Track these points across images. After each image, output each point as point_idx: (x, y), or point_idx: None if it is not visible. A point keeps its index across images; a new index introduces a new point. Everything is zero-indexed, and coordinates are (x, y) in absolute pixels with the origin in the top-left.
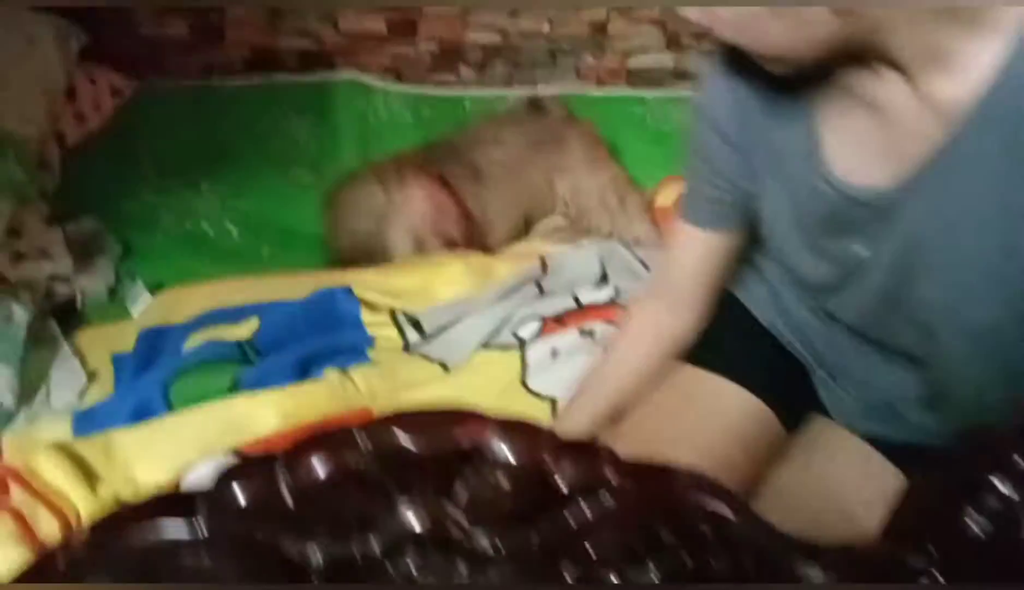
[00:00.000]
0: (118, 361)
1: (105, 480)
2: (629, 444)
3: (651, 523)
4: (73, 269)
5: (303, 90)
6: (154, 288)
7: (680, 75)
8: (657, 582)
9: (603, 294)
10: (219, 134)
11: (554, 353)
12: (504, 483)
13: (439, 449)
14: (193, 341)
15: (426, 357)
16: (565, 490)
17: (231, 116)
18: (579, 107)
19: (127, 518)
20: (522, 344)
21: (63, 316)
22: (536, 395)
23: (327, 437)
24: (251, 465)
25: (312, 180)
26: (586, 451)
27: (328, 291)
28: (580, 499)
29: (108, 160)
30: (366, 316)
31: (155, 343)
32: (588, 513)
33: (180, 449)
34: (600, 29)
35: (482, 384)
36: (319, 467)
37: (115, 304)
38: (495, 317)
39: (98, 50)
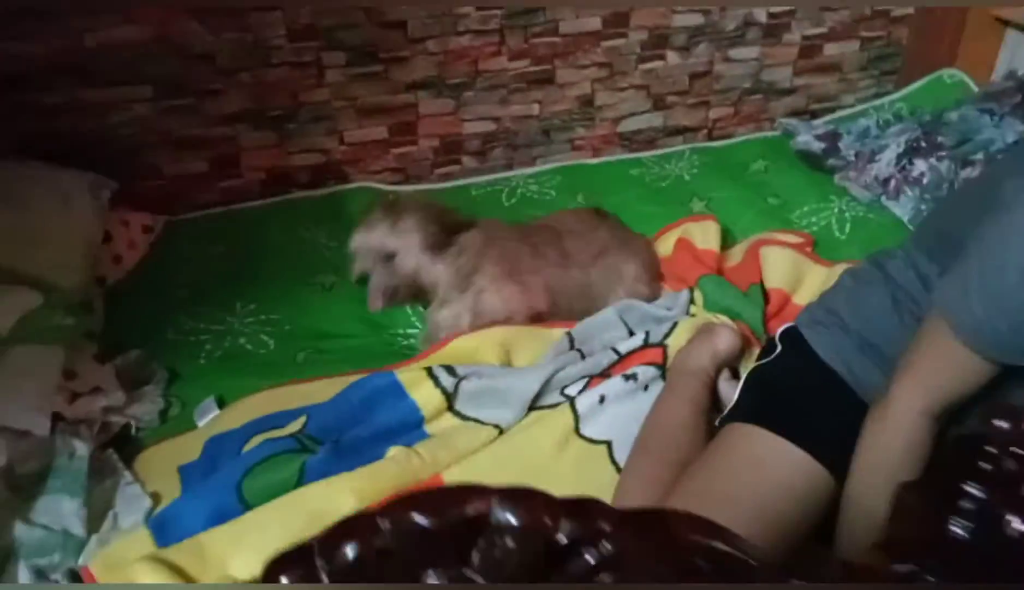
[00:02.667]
0: (185, 470)
1: (202, 581)
2: (690, 501)
3: (651, 565)
4: (125, 400)
5: (318, 202)
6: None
7: (670, 132)
8: None
9: (637, 340)
10: (246, 254)
11: (602, 399)
12: (512, 545)
13: (451, 523)
14: (251, 445)
15: (479, 422)
16: (566, 543)
17: (255, 236)
18: (578, 177)
19: None
20: (571, 400)
21: (120, 444)
22: (591, 441)
23: (352, 523)
24: (292, 554)
25: (335, 280)
26: (581, 506)
27: (365, 377)
28: (581, 550)
29: (147, 294)
30: (401, 376)
31: (219, 449)
32: (591, 562)
33: (269, 541)
34: (587, 102)
35: (539, 439)
36: (349, 551)
37: (166, 427)
38: (541, 377)
39: (128, 194)
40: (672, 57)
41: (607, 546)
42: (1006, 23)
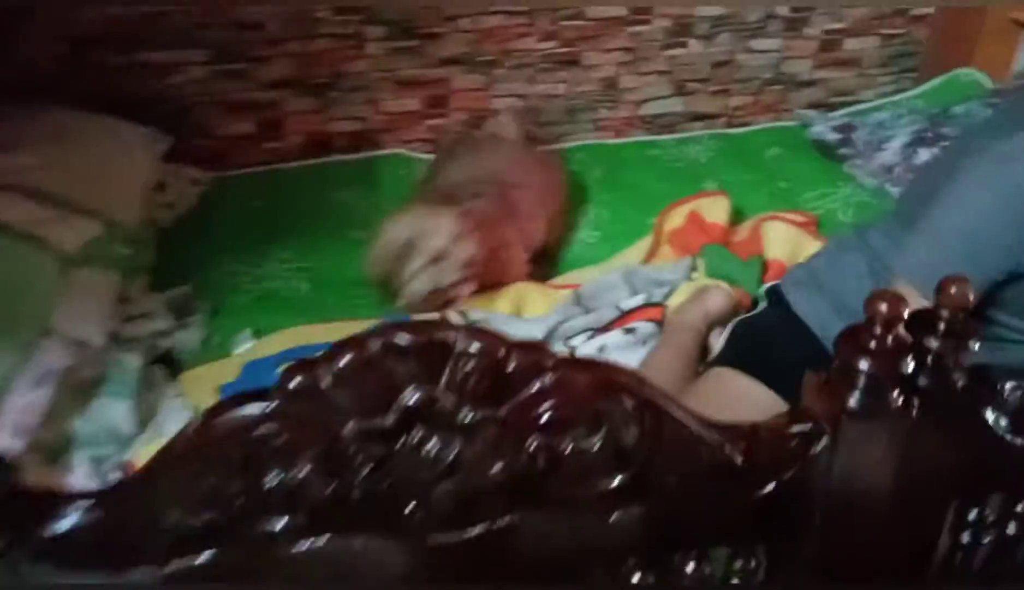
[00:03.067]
0: (224, 389)
1: None
2: None
3: (585, 396)
4: (172, 327)
5: (353, 166)
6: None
7: (691, 117)
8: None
9: (639, 299)
10: (284, 209)
11: (601, 349)
12: (471, 367)
13: (425, 344)
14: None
15: None
16: (513, 370)
17: (293, 194)
18: (600, 156)
19: (222, 408)
20: (572, 349)
21: (164, 364)
22: None
23: (349, 341)
24: (301, 364)
25: (364, 237)
26: (530, 346)
27: (387, 319)
28: (529, 382)
29: (194, 238)
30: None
31: (255, 372)
32: (535, 390)
33: None
34: (611, 84)
35: None
36: (344, 360)
37: (206, 353)
38: (546, 326)
39: (181, 150)
40: (694, 45)
41: (548, 377)
42: (1023, 25)
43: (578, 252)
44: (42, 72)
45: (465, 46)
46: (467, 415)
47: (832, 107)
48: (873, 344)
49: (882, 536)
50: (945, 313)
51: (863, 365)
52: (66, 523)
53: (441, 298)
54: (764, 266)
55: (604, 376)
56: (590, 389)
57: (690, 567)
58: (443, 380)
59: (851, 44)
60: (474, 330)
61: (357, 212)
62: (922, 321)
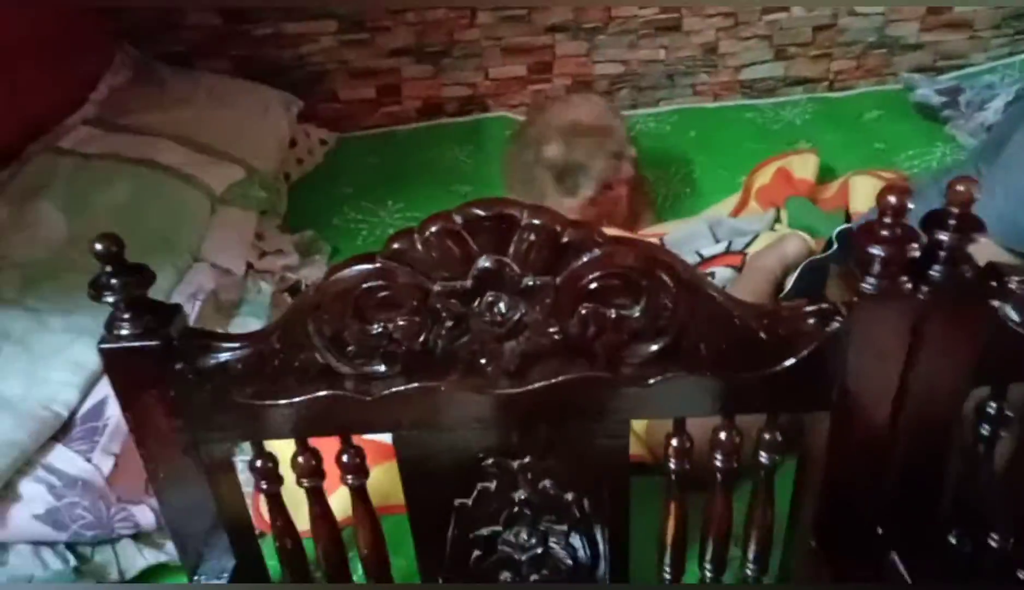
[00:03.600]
0: None
1: None
2: None
3: (629, 267)
4: (299, 263)
5: (462, 127)
6: None
7: (791, 82)
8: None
9: (720, 246)
10: (399, 166)
11: None
12: (533, 238)
13: (497, 217)
14: None
15: None
16: (568, 242)
17: (408, 152)
18: (696, 119)
19: (339, 267)
20: None
21: (292, 295)
22: None
23: (440, 215)
24: (402, 232)
25: (471, 190)
26: (583, 225)
27: None
28: (581, 253)
29: (320, 190)
30: None
31: None
32: (585, 260)
33: None
34: (712, 49)
35: None
36: (434, 228)
37: None
38: None
39: (310, 112)
40: (796, 9)
41: (597, 251)
42: None
43: (670, 208)
44: (198, 41)
45: (570, 13)
46: (529, 281)
47: (941, 71)
48: (885, 232)
49: (896, 413)
50: (954, 209)
51: (875, 250)
52: (224, 356)
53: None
54: (848, 218)
55: (647, 253)
56: (634, 263)
57: (722, 435)
58: (511, 249)
59: (962, 6)
60: (536, 207)
61: (464, 169)
62: (935, 218)
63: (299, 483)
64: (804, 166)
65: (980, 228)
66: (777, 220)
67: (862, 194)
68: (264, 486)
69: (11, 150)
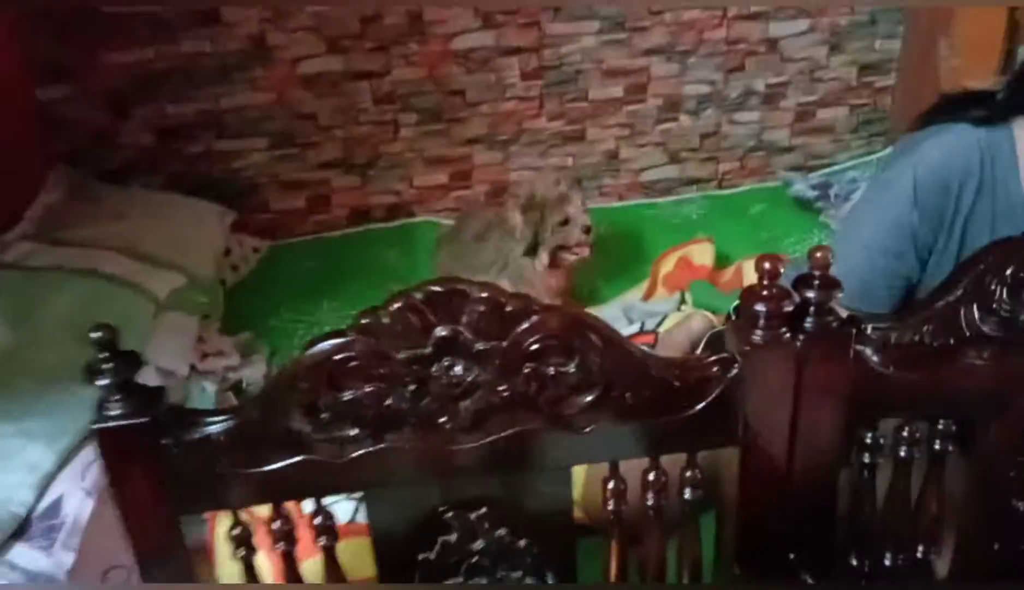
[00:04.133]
0: None
1: None
2: None
3: (564, 335)
4: (239, 363)
5: (391, 232)
6: None
7: (685, 182)
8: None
9: (634, 327)
10: (332, 269)
11: None
12: (483, 310)
13: (452, 292)
14: None
15: None
16: (512, 315)
17: (340, 256)
18: (604, 217)
19: (314, 342)
20: None
21: (234, 393)
22: None
23: (401, 292)
24: (369, 310)
25: (401, 288)
26: (524, 296)
27: None
28: (522, 320)
29: (256, 294)
30: None
31: None
32: (526, 326)
33: None
34: (613, 155)
35: None
36: (397, 304)
37: None
38: None
39: (243, 222)
40: (684, 119)
41: (535, 317)
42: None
43: (588, 296)
44: (131, 159)
45: (485, 128)
46: (480, 346)
47: (811, 169)
48: (764, 292)
49: (792, 447)
50: (816, 272)
51: (759, 307)
52: (208, 429)
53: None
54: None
55: (576, 317)
56: (566, 326)
57: (651, 476)
58: (463, 319)
59: (824, 114)
60: (483, 283)
61: (395, 269)
62: (803, 280)
63: (274, 546)
64: (703, 254)
65: (838, 286)
66: (683, 302)
67: (754, 277)
68: (241, 553)
69: None
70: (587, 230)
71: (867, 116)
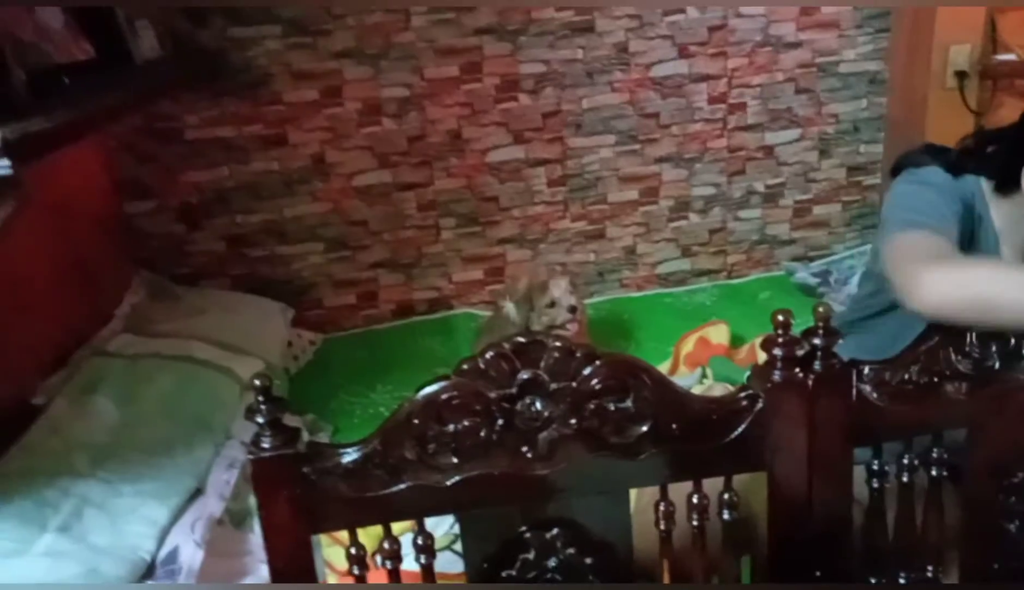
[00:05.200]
0: None
1: None
2: None
3: (621, 376)
4: (307, 440)
5: (433, 323)
6: None
7: (697, 273)
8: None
9: None
10: (382, 357)
11: None
12: (557, 356)
13: (533, 342)
14: None
15: None
16: (580, 360)
17: (388, 346)
18: (625, 306)
19: (423, 386)
20: None
21: None
22: None
23: (494, 344)
24: (469, 358)
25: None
26: (588, 345)
27: None
28: (588, 364)
29: (315, 380)
30: None
31: None
32: (591, 369)
33: None
34: (631, 251)
35: None
36: (490, 353)
37: None
38: None
39: (299, 317)
40: (694, 217)
41: (598, 362)
42: None
43: None
44: (202, 264)
45: (516, 228)
46: (555, 385)
47: (811, 258)
48: (780, 340)
49: (810, 469)
50: (820, 323)
51: (776, 352)
52: (341, 459)
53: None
54: None
55: (631, 361)
56: (623, 369)
57: (694, 498)
58: (542, 364)
59: (819, 210)
60: (556, 335)
61: (439, 356)
62: (810, 330)
63: (383, 563)
64: (719, 334)
65: (839, 335)
66: (704, 376)
67: None
68: (355, 571)
69: (56, 358)
70: (572, 310)
71: (858, 211)
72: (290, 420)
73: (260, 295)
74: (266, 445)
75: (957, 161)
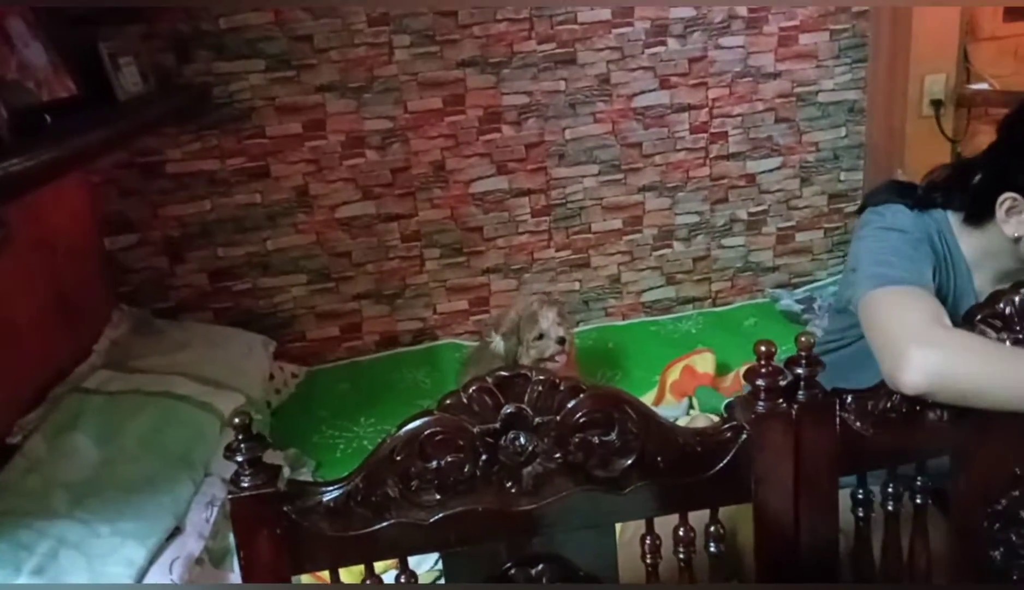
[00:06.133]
0: None
1: None
2: None
3: (606, 409)
4: (289, 476)
5: (417, 355)
6: None
7: (682, 301)
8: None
9: None
10: (366, 390)
11: None
12: (541, 390)
13: (516, 376)
14: None
15: None
16: (564, 393)
17: (372, 378)
18: (610, 334)
19: (406, 421)
20: None
21: None
22: None
23: (477, 377)
24: (452, 392)
25: (431, 404)
26: (572, 377)
27: None
28: (572, 398)
29: (297, 414)
30: None
31: None
32: (575, 402)
33: None
34: (616, 279)
35: None
36: (474, 387)
37: None
38: None
39: (283, 350)
40: (678, 246)
41: (582, 395)
42: None
43: None
44: (185, 297)
45: (501, 258)
46: (539, 419)
47: (795, 285)
48: (763, 370)
49: (797, 499)
50: (803, 353)
51: (759, 382)
52: (322, 497)
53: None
54: None
55: (615, 394)
56: (607, 401)
57: (681, 531)
58: (525, 398)
59: (801, 236)
60: (540, 368)
61: (424, 388)
62: (793, 360)
63: None
64: (705, 363)
65: (822, 364)
66: (691, 406)
67: None
68: None
69: (34, 395)
70: (561, 341)
71: (840, 238)
72: (272, 456)
73: (243, 328)
74: (246, 483)
75: (924, 197)
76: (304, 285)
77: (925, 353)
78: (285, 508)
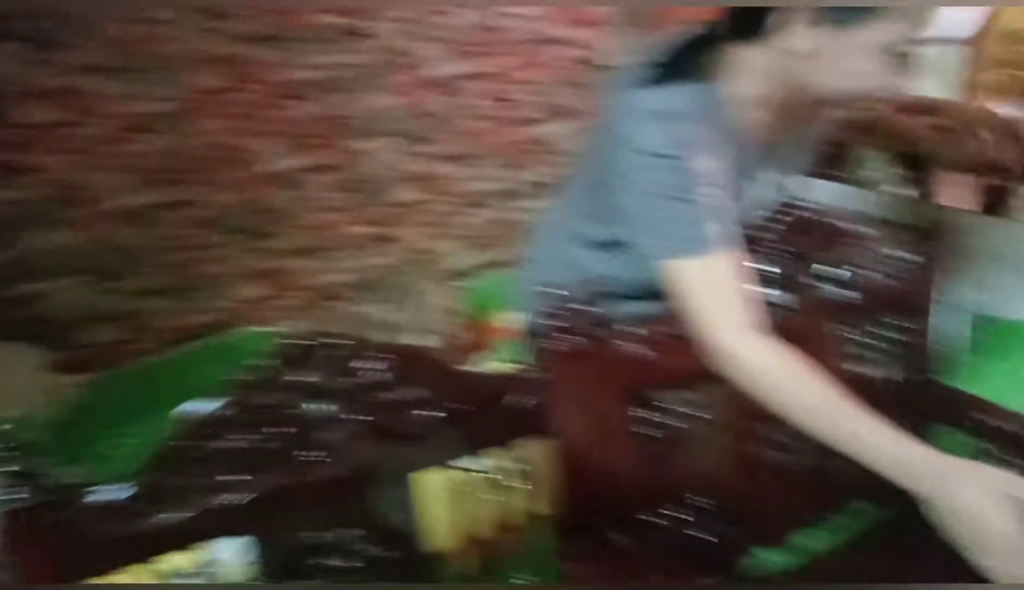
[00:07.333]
0: None
1: None
2: None
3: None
4: None
5: (215, 348)
6: None
7: (489, 266)
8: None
9: None
10: (158, 391)
11: None
12: (330, 356)
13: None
14: None
15: None
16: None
17: (164, 379)
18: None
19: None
20: None
21: None
22: None
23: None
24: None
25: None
26: (358, 338)
27: None
28: (366, 364)
29: (81, 425)
30: None
31: None
32: (370, 369)
33: None
34: (423, 250)
35: None
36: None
37: None
38: None
39: (62, 358)
40: (483, 212)
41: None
42: None
43: None
44: None
45: (302, 239)
46: (331, 384)
47: None
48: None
49: (590, 432)
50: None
51: (548, 322)
52: (100, 498)
53: None
54: None
55: (404, 350)
56: (403, 358)
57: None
58: (316, 364)
59: None
60: (328, 332)
61: (223, 381)
62: (573, 297)
63: None
64: (505, 320)
65: (606, 298)
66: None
67: None
68: None
69: None
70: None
71: None
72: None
73: (11, 341)
74: (16, 497)
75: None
76: (80, 286)
77: (750, 351)
78: (63, 516)
